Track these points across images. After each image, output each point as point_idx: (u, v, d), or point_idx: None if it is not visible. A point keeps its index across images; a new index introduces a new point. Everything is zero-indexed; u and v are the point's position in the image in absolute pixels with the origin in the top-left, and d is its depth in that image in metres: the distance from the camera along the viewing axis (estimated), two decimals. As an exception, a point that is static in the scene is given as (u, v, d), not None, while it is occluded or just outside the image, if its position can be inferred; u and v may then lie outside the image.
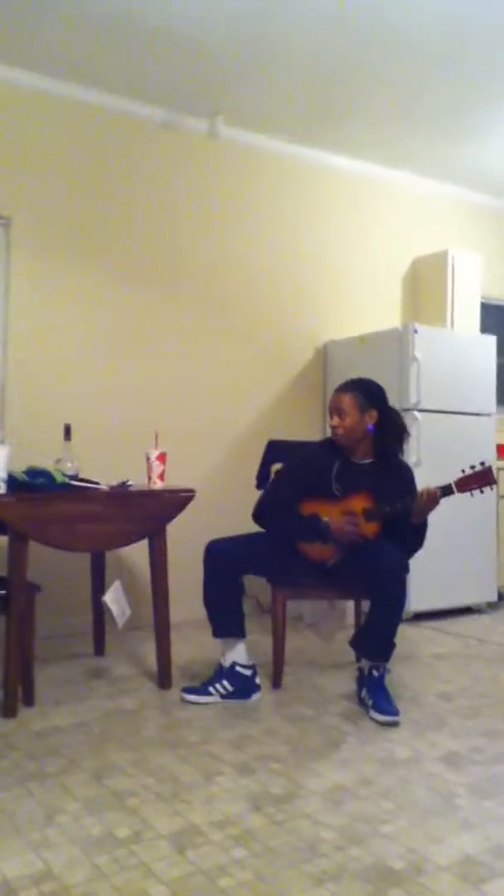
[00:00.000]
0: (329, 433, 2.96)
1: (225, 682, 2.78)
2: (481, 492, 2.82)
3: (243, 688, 2.79)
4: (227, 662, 2.81)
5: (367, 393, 2.88)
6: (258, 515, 2.93)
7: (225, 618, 2.82)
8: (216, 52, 3.52)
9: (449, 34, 3.33)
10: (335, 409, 2.88)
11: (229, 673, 2.79)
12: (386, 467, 2.90)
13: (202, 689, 2.78)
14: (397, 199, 4.99)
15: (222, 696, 2.76)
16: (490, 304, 5.25)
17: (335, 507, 2.83)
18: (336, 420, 2.88)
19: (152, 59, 3.58)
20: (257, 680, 2.83)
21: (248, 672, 2.81)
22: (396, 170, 4.91)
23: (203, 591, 2.82)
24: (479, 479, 2.79)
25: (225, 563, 2.80)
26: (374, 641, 2.72)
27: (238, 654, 2.82)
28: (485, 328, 4.94)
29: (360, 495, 2.82)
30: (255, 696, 2.80)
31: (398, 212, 4.99)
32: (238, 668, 2.80)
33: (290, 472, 3.05)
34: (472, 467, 2.80)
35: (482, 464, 2.82)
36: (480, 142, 4.45)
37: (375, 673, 2.70)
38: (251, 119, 4.22)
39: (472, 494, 2.82)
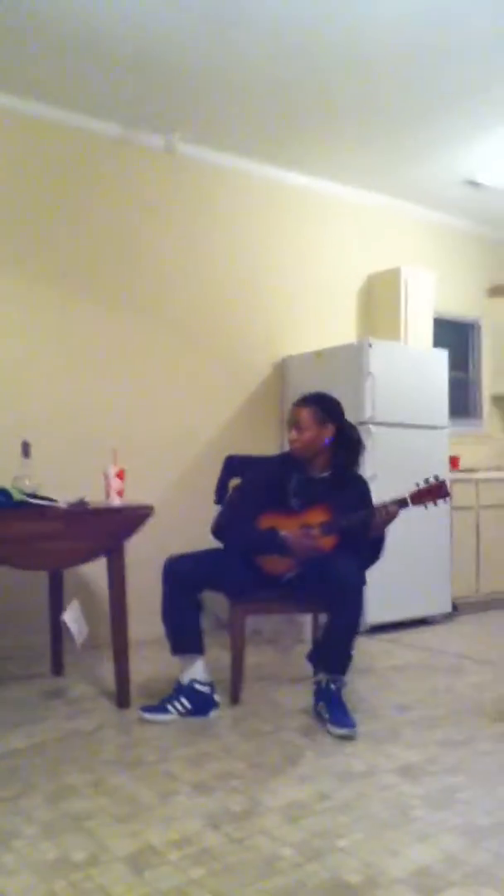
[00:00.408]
0: (287, 447, 2.98)
1: (183, 700, 2.77)
2: (435, 504, 2.87)
3: (202, 705, 2.78)
4: (185, 680, 2.80)
5: (326, 407, 2.92)
6: (217, 530, 2.93)
7: (183, 635, 2.81)
8: (172, 70, 3.54)
9: (400, 54, 3.41)
10: (293, 423, 2.92)
11: (188, 690, 2.78)
12: (343, 481, 2.93)
13: (160, 708, 2.76)
14: (352, 216, 5.06)
15: (181, 714, 2.75)
16: (442, 320, 5.36)
17: (293, 521, 2.85)
18: (294, 434, 2.91)
19: (107, 75, 3.59)
20: (216, 696, 2.83)
21: (206, 689, 2.81)
22: (351, 187, 4.99)
23: (161, 608, 2.82)
24: (433, 493, 2.85)
25: (184, 579, 2.80)
26: (332, 654, 2.74)
27: (196, 671, 2.81)
28: (437, 343, 5.03)
29: (317, 509, 2.85)
30: (214, 713, 2.80)
31: (353, 228, 5.07)
32: (196, 686, 2.79)
33: (249, 486, 3.07)
34: (427, 480, 2.86)
35: (436, 477, 2.88)
36: (432, 159, 4.55)
37: (333, 686, 2.72)
38: (207, 136, 4.25)
39: (426, 507, 2.87)
